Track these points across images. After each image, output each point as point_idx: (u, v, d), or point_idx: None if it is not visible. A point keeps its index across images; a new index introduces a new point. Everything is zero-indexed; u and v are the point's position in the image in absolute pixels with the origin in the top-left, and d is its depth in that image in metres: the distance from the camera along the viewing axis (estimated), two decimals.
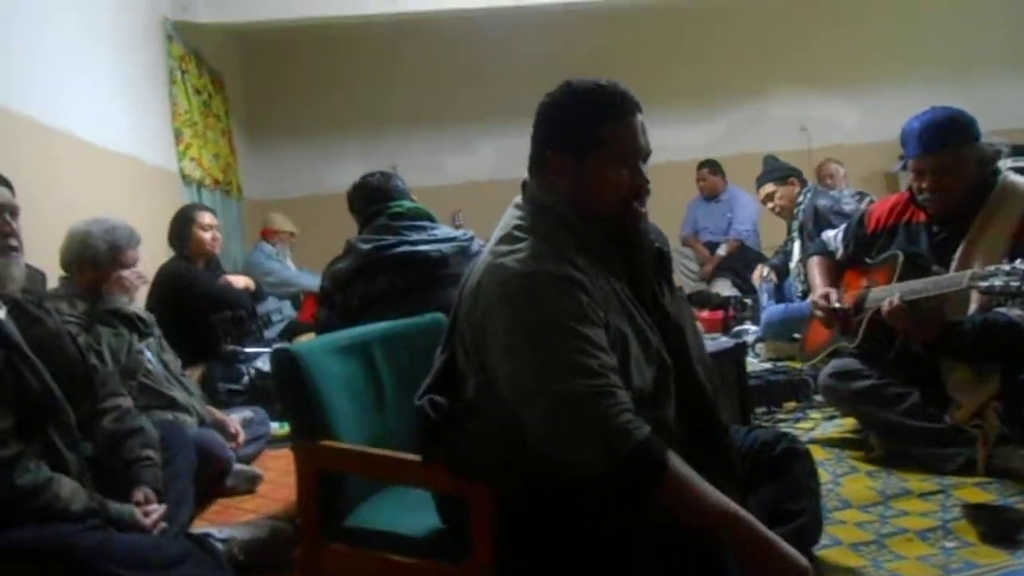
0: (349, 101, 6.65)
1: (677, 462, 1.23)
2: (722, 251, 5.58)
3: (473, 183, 6.23)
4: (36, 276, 2.26)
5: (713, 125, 6.92)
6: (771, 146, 5.06)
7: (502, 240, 1.39)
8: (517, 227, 1.40)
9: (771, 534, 1.21)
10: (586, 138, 1.38)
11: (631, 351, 1.33)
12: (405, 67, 6.66)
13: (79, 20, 3.51)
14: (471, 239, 2.36)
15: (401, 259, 2.18)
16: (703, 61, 6.78)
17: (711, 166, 5.75)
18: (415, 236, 2.25)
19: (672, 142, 6.48)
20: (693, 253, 5.73)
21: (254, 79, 6.61)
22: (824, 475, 2.16)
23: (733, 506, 1.23)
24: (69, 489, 1.56)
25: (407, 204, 2.36)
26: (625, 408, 1.24)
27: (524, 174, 1.49)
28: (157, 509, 1.76)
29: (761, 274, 4.17)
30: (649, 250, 1.48)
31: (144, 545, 1.60)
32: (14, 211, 1.66)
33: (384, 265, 2.19)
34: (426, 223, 2.33)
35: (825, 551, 1.73)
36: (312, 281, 5.05)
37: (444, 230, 2.34)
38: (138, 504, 1.73)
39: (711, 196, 5.76)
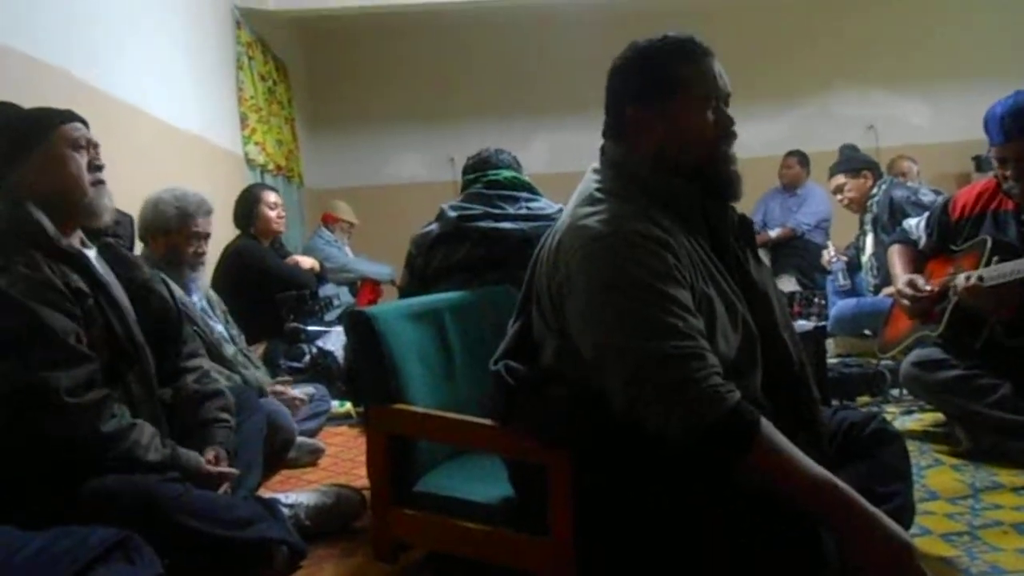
0: (409, 93, 6.69)
1: (769, 428, 1.18)
2: (774, 234, 5.45)
3: (528, 176, 6.19)
4: (125, 219, 2.31)
5: (776, 122, 6.76)
6: (838, 144, 4.92)
7: (582, 203, 1.35)
8: (597, 189, 1.36)
9: (872, 507, 1.15)
10: (666, 83, 1.34)
11: (716, 315, 1.28)
12: (463, 61, 6.68)
13: (159, 5, 3.60)
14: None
15: (483, 232, 2.13)
16: (765, 57, 6.64)
17: (800, 156, 5.62)
18: (503, 209, 2.18)
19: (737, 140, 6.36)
20: (763, 251, 5.60)
21: (317, 69, 6.70)
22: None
23: (831, 477, 1.17)
24: (148, 436, 1.57)
25: (506, 173, 2.29)
26: (715, 371, 1.19)
27: (577, 167, 1.46)
28: (227, 466, 1.76)
29: (830, 255, 4.03)
30: (733, 213, 1.43)
31: (219, 503, 1.61)
32: (97, 146, 1.69)
33: (466, 235, 2.14)
34: (522, 194, 2.25)
35: (915, 539, 1.64)
36: (369, 268, 5.10)
37: (540, 204, 2.24)
38: (208, 462, 1.74)
39: (790, 187, 5.62)
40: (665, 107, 1.33)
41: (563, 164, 6.10)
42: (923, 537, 1.69)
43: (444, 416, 1.59)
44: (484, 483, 1.60)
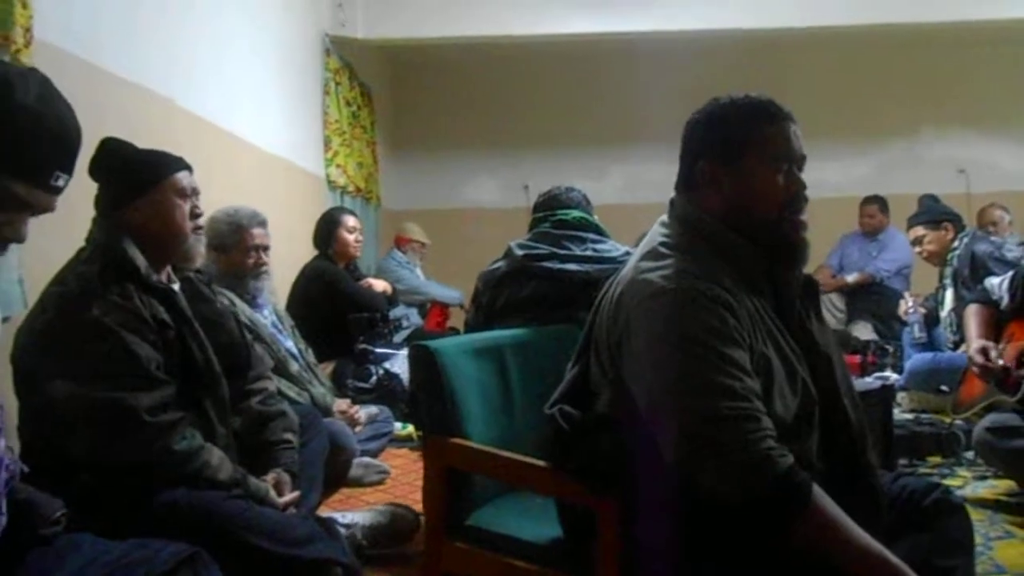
0: (487, 121, 6.82)
1: (821, 495, 1.17)
2: (851, 279, 5.30)
3: (601, 207, 6.19)
4: (209, 256, 2.44)
5: (861, 163, 6.62)
6: (925, 188, 4.76)
7: (647, 256, 1.37)
8: (663, 244, 1.37)
9: None
10: (739, 142, 1.35)
11: (775, 377, 1.28)
12: (541, 90, 6.78)
13: (251, 33, 3.81)
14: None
15: (549, 272, 2.16)
16: (851, 95, 6.52)
17: (880, 203, 5.48)
18: (569, 249, 2.21)
19: (816, 178, 6.22)
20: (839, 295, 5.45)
21: (400, 94, 6.90)
22: (975, 537, 1.99)
23: (882, 548, 1.16)
24: (218, 458, 1.65)
25: (575, 214, 2.32)
26: (768, 434, 1.19)
27: (650, 198, 1.47)
28: (291, 492, 1.84)
29: (907, 306, 3.89)
30: (800, 273, 1.43)
31: (279, 521, 1.67)
32: (198, 194, 1.81)
33: (532, 273, 2.18)
34: (589, 235, 2.28)
35: None
36: (439, 291, 5.20)
37: (606, 246, 2.26)
38: (273, 485, 1.81)
39: (872, 233, 5.48)
40: (735, 166, 1.35)
41: (637, 196, 6.10)
42: None
43: (499, 454, 1.63)
44: (535, 522, 1.63)
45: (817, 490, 1.17)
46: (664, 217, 1.45)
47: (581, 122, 6.75)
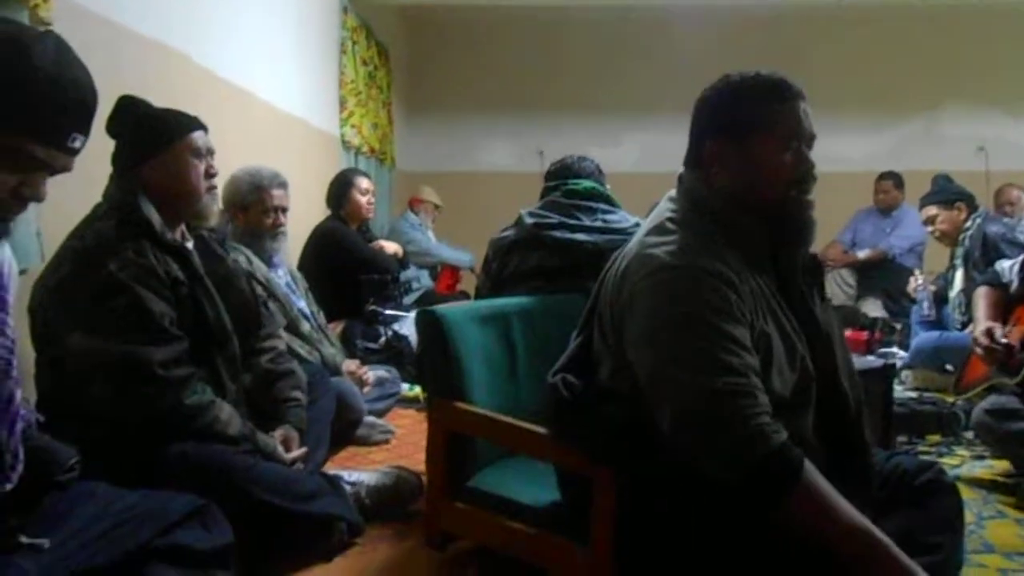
0: (504, 84, 6.77)
1: (812, 472, 1.20)
2: (862, 255, 5.29)
3: (616, 175, 6.15)
4: (223, 216, 2.47)
5: (879, 138, 6.54)
6: (943, 165, 4.71)
7: (653, 231, 1.38)
8: (669, 219, 1.39)
9: (908, 560, 1.16)
10: (748, 120, 1.35)
11: (774, 354, 1.30)
12: (560, 56, 6.70)
13: None
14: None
15: (557, 241, 2.17)
16: (870, 69, 6.41)
17: (895, 179, 5.43)
18: (579, 220, 2.21)
19: (833, 152, 6.18)
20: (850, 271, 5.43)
21: (417, 55, 6.85)
22: (967, 515, 2.01)
23: (869, 525, 1.18)
24: (227, 413, 1.70)
25: (586, 184, 2.31)
26: (763, 411, 1.22)
27: (667, 169, 1.48)
28: (298, 448, 1.89)
29: (916, 283, 3.88)
30: (805, 252, 1.44)
31: (286, 476, 1.73)
32: (213, 154, 1.83)
33: (541, 242, 2.19)
34: (600, 206, 2.27)
35: None
36: (450, 254, 5.22)
37: (616, 217, 2.26)
38: (281, 441, 1.86)
39: (886, 209, 5.45)
40: (743, 144, 1.35)
41: (652, 164, 6.05)
42: None
43: (500, 419, 1.66)
44: (534, 486, 1.67)
45: (809, 466, 1.19)
46: (672, 192, 1.46)
47: (599, 89, 6.68)
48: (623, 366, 1.36)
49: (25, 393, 1.69)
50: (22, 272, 1.89)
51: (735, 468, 1.19)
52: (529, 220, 2.23)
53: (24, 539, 1.01)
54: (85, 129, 1.11)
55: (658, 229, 1.38)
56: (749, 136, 1.35)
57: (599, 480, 1.41)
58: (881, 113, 6.54)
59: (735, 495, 1.20)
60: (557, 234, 2.18)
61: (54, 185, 2.03)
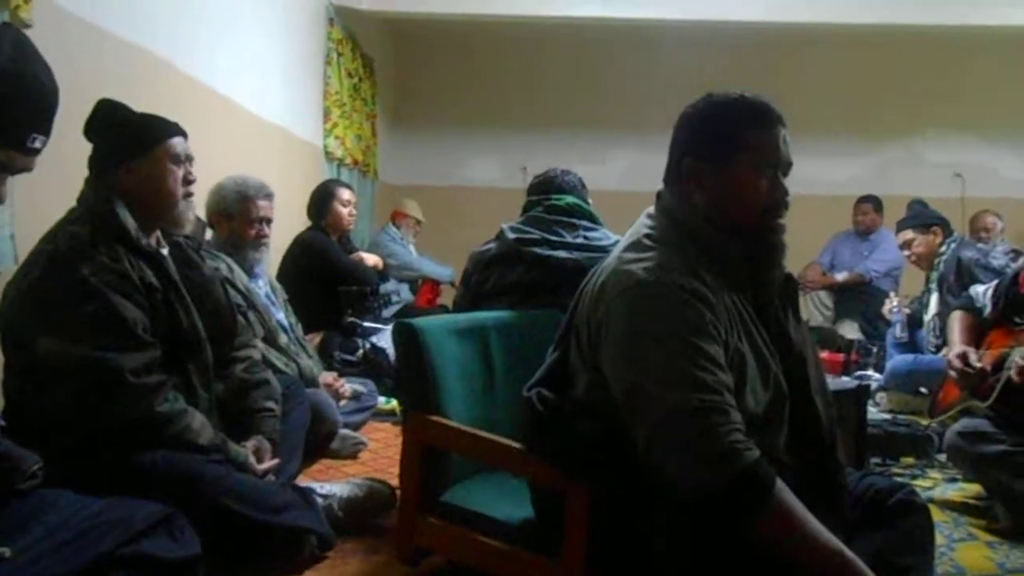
0: (489, 99, 6.80)
1: (784, 490, 1.20)
2: (840, 277, 5.35)
3: (600, 192, 6.17)
4: (198, 224, 2.45)
5: (858, 162, 6.63)
6: (921, 191, 4.78)
7: (630, 247, 1.39)
8: (647, 236, 1.39)
9: None
10: (726, 144, 1.36)
11: (748, 372, 1.31)
12: (545, 72, 6.75)
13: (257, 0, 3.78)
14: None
15: (538, 257, 2.17)
16: (852, 94, 6.51)
17: (874, 202, 5.49)
18: (561, 236, 2.21)
19: (813, 175, 6.27)
20: (828, 293, 5.48)
21: (403, 68, 6.87)
22: (938, 538, 2.02)
23: (839, 544, 1.19)
24: (199, 422, 1.68)
25: (568, 200, 2.31)
26: (736, 428, 1.22)
27: (652, 187, 1.48)
28: (271, 459, 1.86)
29: (891, 305, 3.92)
30: (780, 272, 1.45)
31: (257, 487, 1.71)
32: (192, 160, 1.82)
33: (522, 258, 2.18)
34: (583, 223, 2.27)
35: None
36: (430, 268, 5.21)
37: (598, 234, 2.26)
38: (253, 451, 1.84)
39: (864, 233, 5.51)
40: (720, 166, 1.36)
41: (638, 183, 6.06)
42: None
43: (475, 433, 1.65)
44: (508, 501, 1.66)
45: (780, 484, 1.19)
46: (651, 208, 1.46)
47: (584, 106, 6.73)
48: (599, 381, 1.36)
49: None
50: None
51: (707, 484, 1.19)
52: (511, 235, 2.23)
53: None
54: (46, 129, 1.07)
55: (635, 245, 1.38)
56: (726, 159, 1.35)
57: (573, 495, 1.41)
58: (862, 137, 6.63)
59: (707, 511, 1.20)
60: (538, 250, 2.18)
61: (30, 188, 2.02)
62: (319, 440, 2.51)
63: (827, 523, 1.23)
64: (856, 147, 6.63)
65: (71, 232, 1.65)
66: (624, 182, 6.28)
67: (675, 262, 1.32)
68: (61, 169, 1.92)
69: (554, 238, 2.21)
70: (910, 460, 2.81)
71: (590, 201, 2.41)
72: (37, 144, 1.07)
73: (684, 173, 1.39)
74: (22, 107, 1.03)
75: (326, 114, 4.88)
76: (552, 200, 2.32)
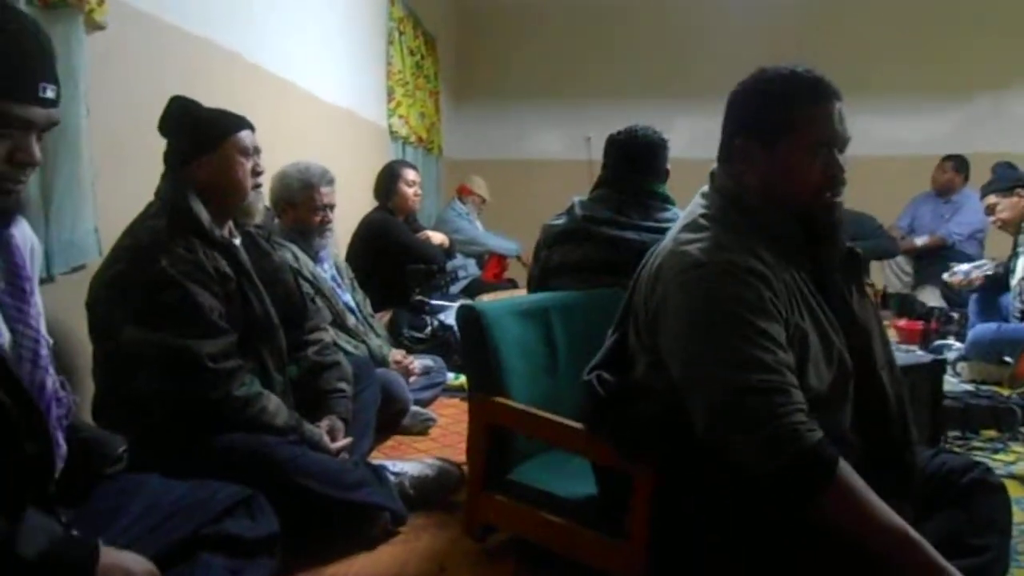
0: (551, 71, 6.74)
1: (848, 471, 1.18)
2: (920, 242, 5.14)
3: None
4: (267, 213, 2.53)
5: (942, 119, 6.31)
6: (1012, 147, 4.54)
7: (686, 228, 1.38)
8: (703, 215, 1.38)
9: (943, 561, 1.14)
10: (777, 123, 1.32)
11: (810, 349, 1.29)
12: (607, 41, 6.65)
13: None
14: None
15: (606, 237, 2.16)
16: (932, 49, 6.19)
17: (956, 162, 5.26)
18: (630, 217, 2.18)
19: (891, 136, 6.01)
20: (907, 258, 5.29)
21: (464, 44, 6.87)
22: (1019, 514, 1.96)
23: (904, 525, 1.17)
24: (274, 404, 1.76)
25: (647, 185, 2.26)
26: (798, 408, 1.21)
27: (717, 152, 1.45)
28: (344, 438, 1.94)
29: (956, 275, 3.76)
30: (840, 247, 1.42)
31: (332, 466, 1.78)
32: (260, 152, 1.88)
33: (589, 235, 2.18)
34: (656, 203, 2.23)
35: None
36: (496, 242, 5.24)
37: (668, 215, 2.21)
38: (327, 431, 1.91)
39: (942, 193, 5.28)
40: (773, 145, 1.33)
41: (704, 150, 5.95)
42: None
43: (538, 414, 1.68)
44: (572, 480, 1.69)
45: (843, 465, 1.18)
46: (705, 188, 1.45)
47: (647, 73, 6.61)
48: (657, 363, 1.36)
49: (84, 385, 1.79)
50: (81, 268, 1.99)
51: (768, 466, 1.18)
52: (579, 211, 2.23)
53: (75, 533, 1.06)
54: (51, 76, 1.07)
55: (691, 226, 1.37)
56: (778, 138, 1.32)
57: (638, 475, 1.42)
58: (945, 93, 6.30)
59: (769, 492, 1.20)
60: (606, 230, 2.17)
61: (110, 182, 2.12)
62: (390, 418, 2.58)
63: (894, 502, 1.21)
64: (937, 103, 6.31)
65: (150, 226, 1.74)
66: (691, 149, 6.10)
67: (731, 241, 1.31)
68: (140, 164, 2.01)
69: (623, 219, 2.20)
70: (991, 433, 2.71)
71: (669, 160, 2.34)
72: (50, 93, 1.06)
73: (736, 153, 1.37)
74: (24, 60, 1.04)
75: (389, 93, 4.93)
76: (629, 179, 2.28)
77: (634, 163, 2.28)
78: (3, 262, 1.11)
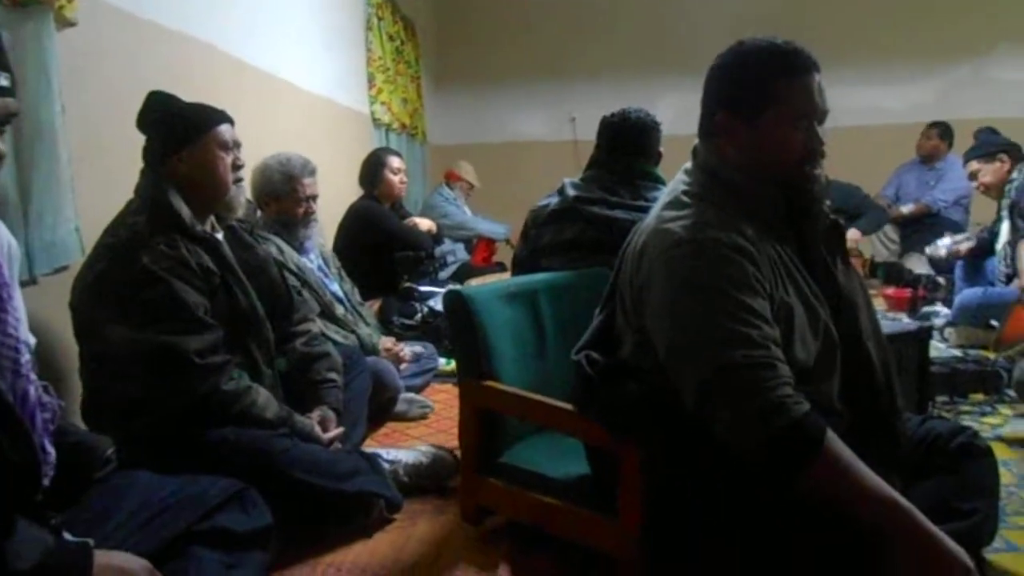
0: (533, 52, 6.70)
1: (835, 442, 1.19)
2: (906, 210, 5.16)
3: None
4: (249, 206, 2.51)
5: (923, 85, 6.30)
6: (995, 112, 4.53)
7: (669, 205, 1.38)
8: (684, 192, 1.38)
9: (933, 527, 1.15)
10: (757, 97, 1.32)
11: (795, 323, 1.29)
12: (588, 19, 6.60)
13: None
14: None
15: (595, 216, 2.17)
16: (914, 15, 6.17)
17: (941, 128, 5.27)
18: (621, 197, 2.19)
19: (873, 104, 6.01)
20: (893, 226, 5.31)
21: (444, 27, 6.81)
22: (1007, 476, 1.99)
23: (892, 493, 1.18)
24: (264, 398, 1.76)
25: (638, 167, 2.26)
26: (784, 382, 1.21)
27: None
28: (336, 428, 1.94)
29: (937, 250, 3.79)
30: (823, 219, 1.42)
31: (324, 456, 1.78)
32: (240, 146, 1.86)
33: (579, 215, 2.19)
34: (647, 183, 2.24)
35: (998, 555, 1.62)
36: (485, 226, 5.23)
37: (658, 194, 2.15)
38: (318, 422, 1.92)
39: (927, 160, 5.30)
40: (753, 119, 1.33)
41: (691, 126, 5.93)
42: (1007, 553, 1.65)
43: (528, 396, 1.68)
44: (563, 461, 1.70)
45: (831, 435, 1.18)
46: (687, 164, 1.45)
47: (630, 50, 6.57)
48: (644, 342, 1.36)
49: (71, 386, 1.78)
50: (63, 268, 1.97)
51: (756, 440, 1.19)
52: (571, 192, 2.24)
53: (68, 537, 1.06)
54: (5, 63, 1.07)
55: (674, 203, 1.37)
56: (758, 112, 1.32)
57: (625, 454, 1.43)
58: (926, 59, 6.28)
59: (757, 467, 1.21)
60: (596, 209, 2.18)
61: (90, 180, 2.10)
62: (382, 406, 2.59)
63: (883, 470, 1.22)
64: (918, 71, 6.29)
65: (130, 223, 1.72)
66: (676, 126, 6.09)
67: (714, 218, 1.31)
68: (120, 162, 1.99)
69: (614, 199, 2.21)
70: (979, 397, 2.74)
71: (661, 141, 2.35)
72: (3, 81, 1.06)
73: (717, 127, 1.37)
74: None
75: (370, 80, 4.90)
76: (622, 162, 2.28)
77: (626, 145, 2.30)
78: None
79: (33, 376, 1.12)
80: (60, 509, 1.11)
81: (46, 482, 1.07)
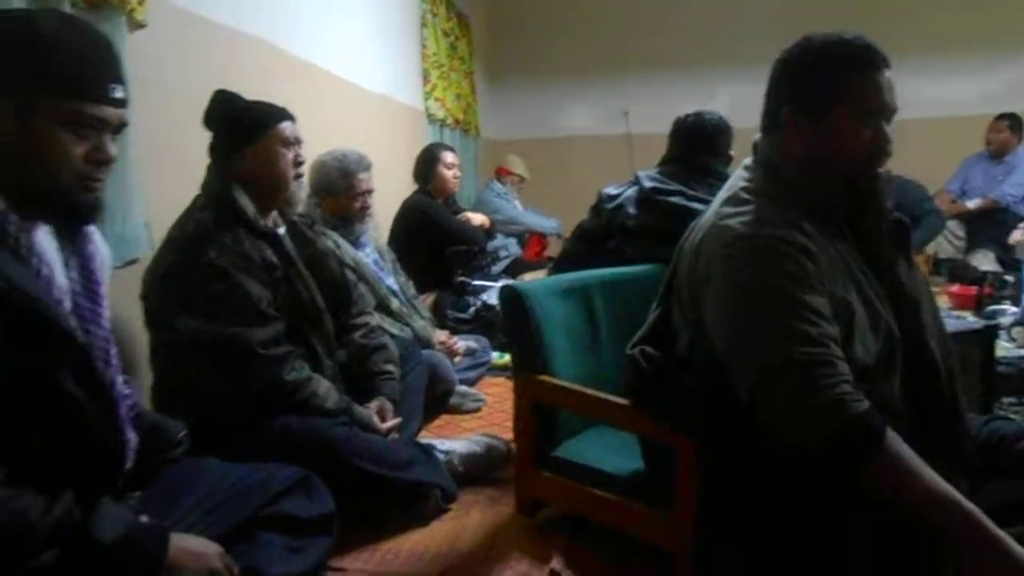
0: (586, 45, 6.67)
1: (896, 440, 1.17)
2: (972, 205, 4.99)
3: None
4: (310, 201, 2.57)
5: (994, 76, 6.07)
6: None
7: (728, 201, 1.37)
8: (744, 188, 1.37)
9: (997, 529, 1.13)
10: (826, 93, 1.30)
11: (856, 321, 1.27)
12: (642, 10, 6.54)
13: None
14: None
15: (673, 206, 2.19)
16: (981, 5, 5.95)
17: (1011, 121, 5.08)
18: (696, 191, 2.22)
19: (941, 96, 5.82)
20: (958, 222, 5.15)
21: (497, 22, 6.83)
22: None
23: (956, 494, 1.16)
24: (324, 388, 1.80)
25: (713, 167, 2.32)
26: (843, 379, 1.20)
27: (758, 123, 1.44)
28: (393, 418, 1.98)
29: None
30: (885, 217, 1.39)
31: (383, 446, 1.83)
32: (301, 143, 1.91)
33: (655, 205, 2.22)
34: (718, 183, 2.29)
35: None
36: (536, 221, 5.24)
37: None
38: (376, 412, 1.96)
39: (997, 154, 5.12)
40: (821, 116, 1.31)
41: (748, 118, 5.83)
42: None
43: (582, 391, 1.70)
44: (618, 455, 1.71)
45: (891, 434, 1.17)
46: (747, 160, 1.44)
47: (684, 43, 6.49)
48: (701, 337, 1.36)
49: (138, 372, 1.85)
50: (134, 261, 2.05)
51: (814, 438, 1.18)
52: (647, 183, 2.27)
53: (144, 519, 1.11)
54: (119, 77, 1.12)
55: (733, 199, 1.36)
56: (826, 109, 1.30)
57: (682, 448, 1.43)
58: (996, 49, 6.06)
59: (815, 464, 1.20)
60: (674, 200, 2.20)
61: (159, 178, 2.18)
62: (437, 398, 2.62)
63: (946, 470, 1.20)
64: (990, 60, 6.06)
65: (197, 218, 1.79)
66: (733, 119, 6.05)
67: (774, 214, 1.30)
68: (186, 159, 2.06)
69: (690, 192, 2.23)
70: None
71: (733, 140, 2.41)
72: (119, 93, 1.11)
73: (782, 123, 1.35)
74: (90, 62, 1.08)
75: (425, 76, 4.95)
76: (698, 162, 2.33)
77: (702, 144, 2.35)
78: (78, 264, 1.16)
79: (119, 368, 1.18)
80: (135, 489, 1.17)
81: (128, 465, 1.13)
